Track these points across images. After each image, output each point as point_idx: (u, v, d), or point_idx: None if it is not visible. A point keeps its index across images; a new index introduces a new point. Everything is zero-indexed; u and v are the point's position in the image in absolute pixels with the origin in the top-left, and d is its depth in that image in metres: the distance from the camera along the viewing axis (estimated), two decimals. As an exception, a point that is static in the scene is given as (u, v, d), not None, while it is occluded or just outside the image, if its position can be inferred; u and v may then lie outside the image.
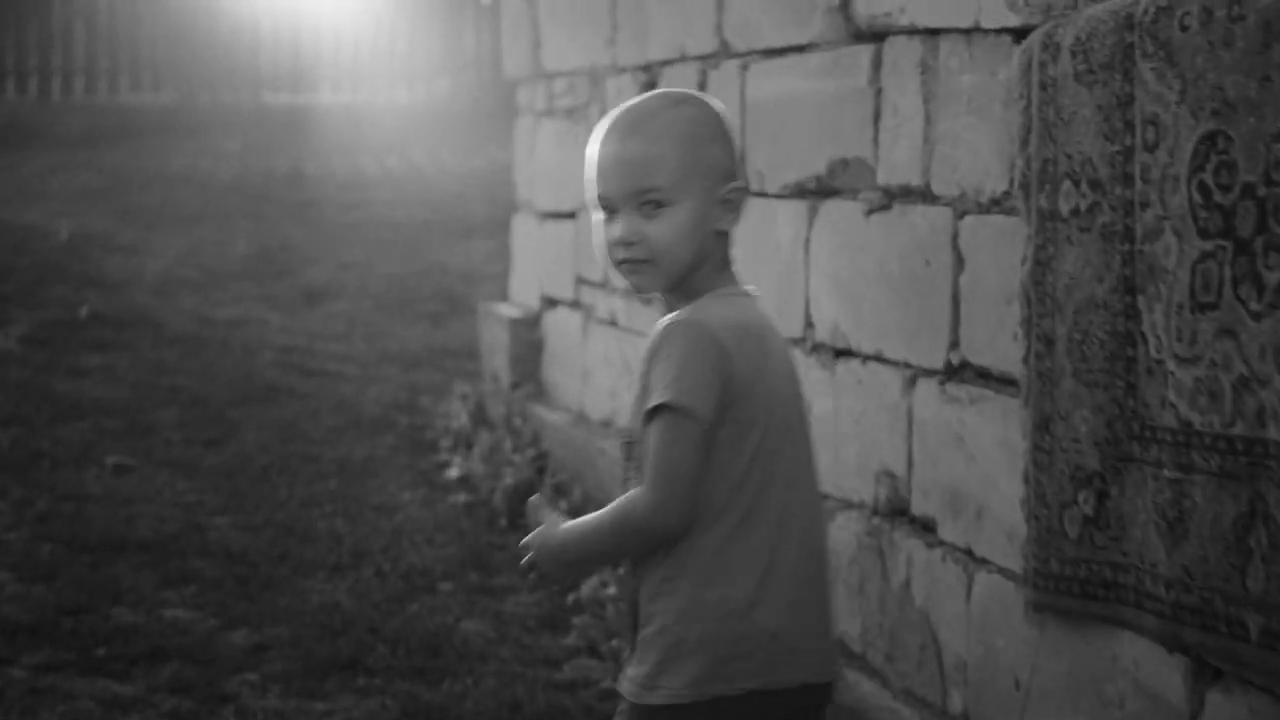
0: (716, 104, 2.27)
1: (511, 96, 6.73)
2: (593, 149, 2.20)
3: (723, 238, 2.23)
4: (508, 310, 6.38)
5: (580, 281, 5.82)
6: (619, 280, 5.67)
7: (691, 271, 2.18)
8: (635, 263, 2.16)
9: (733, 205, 2.22)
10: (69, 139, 15.59)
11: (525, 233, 6.44)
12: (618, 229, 2.15)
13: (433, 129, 16.21)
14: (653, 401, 2.08)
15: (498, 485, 5.37)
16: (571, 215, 5.89)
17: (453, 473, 5.77)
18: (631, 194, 2.14)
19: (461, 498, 5.46)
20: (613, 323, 5.50)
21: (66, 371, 6.64)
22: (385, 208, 11.08)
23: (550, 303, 6.15)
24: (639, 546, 2.15)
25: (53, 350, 6.92)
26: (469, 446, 5.98)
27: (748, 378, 2.11)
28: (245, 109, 17.19)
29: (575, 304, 5.87)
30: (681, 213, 2.16)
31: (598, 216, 2.19)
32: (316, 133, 16.29)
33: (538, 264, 6.28)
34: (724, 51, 4.66)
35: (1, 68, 16.68)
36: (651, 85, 5.19)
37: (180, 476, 5.55)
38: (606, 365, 5.55)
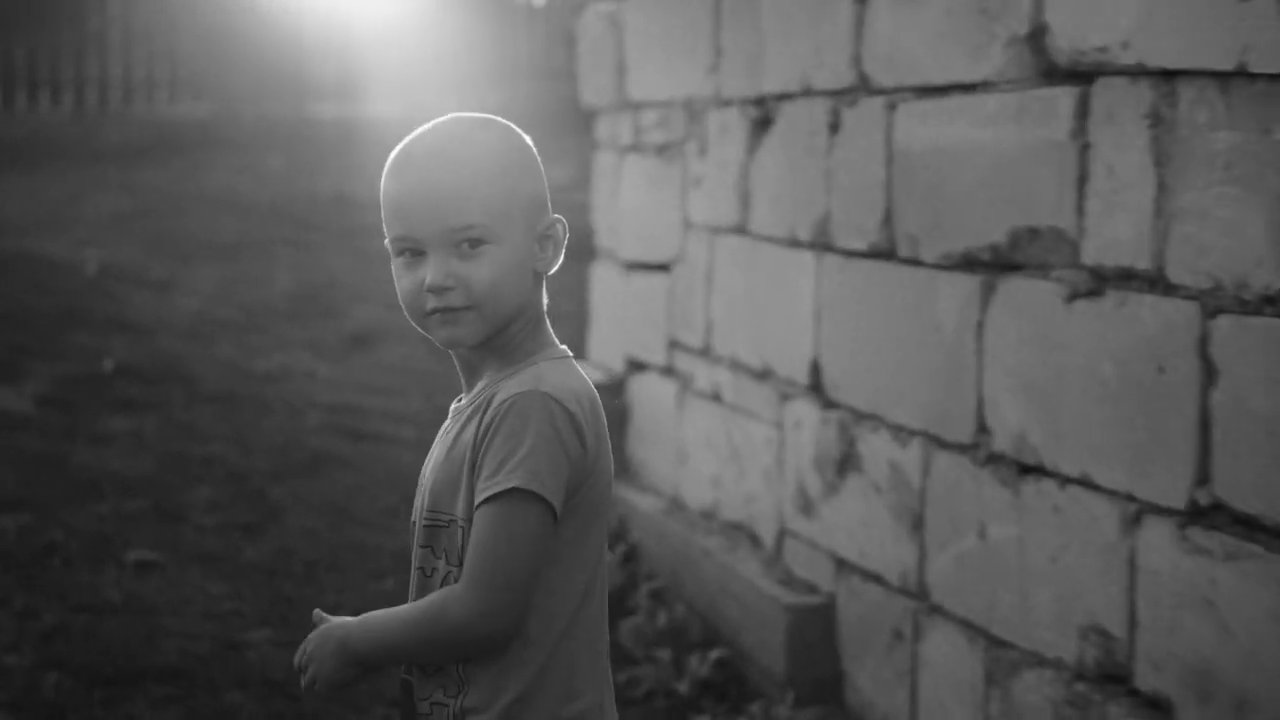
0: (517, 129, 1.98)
1: (587, 126, 5.95)
2: (389, 183, 1.92)
3: (539, 283, 1.96)
4: (587, 373, 5.58)
5: (675, 345, 5.02)
6: (724, 346, 4.92)
7: (510, 321, 1.92)
8: (451, 311, 1.89)
9: (553, 243, 1.96)
10: (103, 154, 14.91)
11: (607, 285, 5.65)
12: (428, 272, 1.87)
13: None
14: (499, 485, 1.79)
15: (583, 592, 4.60)
16: (664, 267, 5.09)
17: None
18: (444, 232, 1.88)
19: (539, 602, 4.67)
20: (716, 397, 4.70)
21: (87, 439, 5.87)
22: (438, 234, 10.32)
23: (636, 366, 5.36)
24: (451, 654, 1.87)
25: (73, 412, 6.16)
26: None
27: (594, 460, 1.88)
28: (288, 121, 16.49)
29: (668, 371, 5.07)
30: (504, 251, 1.90)
31: (398, 261, 1.92)
32: (362, 147, 15.53)
33: (621, 321, 5.48)
34: (863, 86, 3.86)
35: (35, 78, 16.02)
36: (765, 121, 4.39)
37: (214, 576, 4.77)
38: (708, 448, 4.75)
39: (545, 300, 1.97)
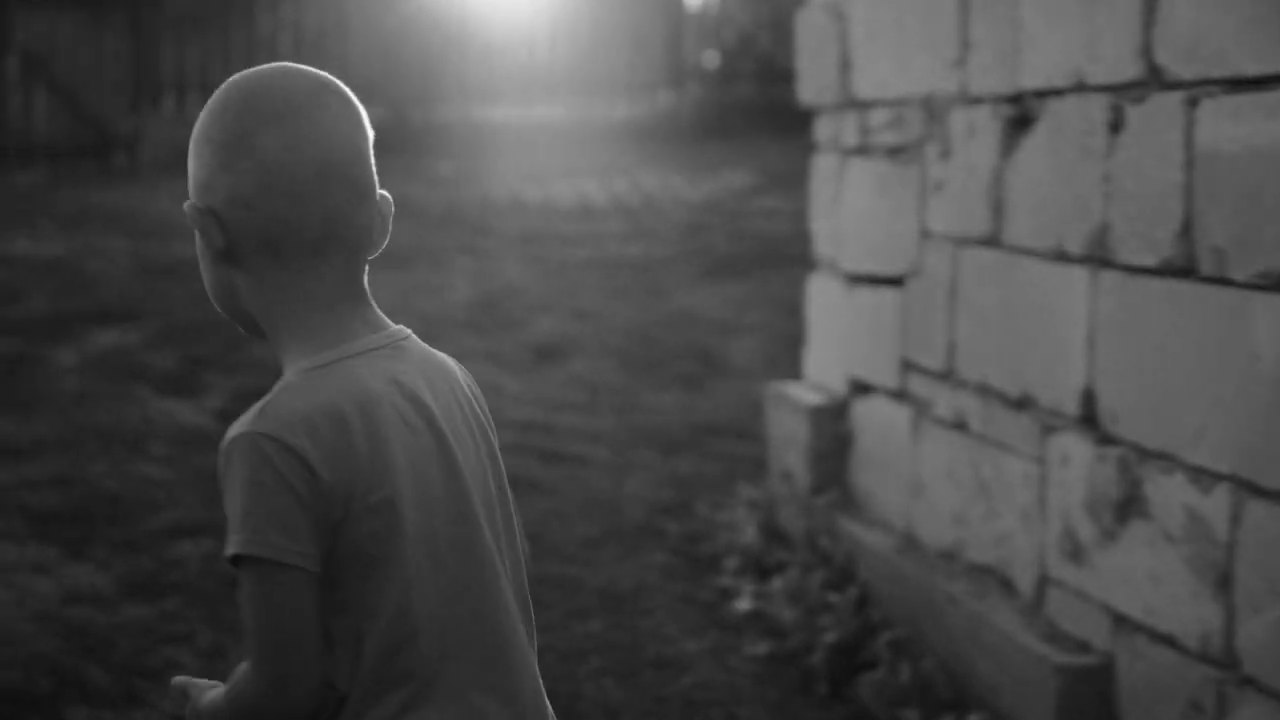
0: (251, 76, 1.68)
1: (806, 126, 5.53)
2: None
3: (306, 273, 1.65)
4: (805, 395, 5.14)
5: (908, 366, 4.57)
6: (971, 369, 4.46)
7: (262, 320, 1.67)
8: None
9: (202, 230, 1.66)
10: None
11: (827, 299, 5.21)
12: None
13: (658, 148, 15.13)
14: (227, 552, 1.57)
15: (815, 640, 4.17)
16: (895, 281, 4.65)
17: (742, 604, 4.58)
18: None
19: (761, 648, 4.26)
20: (960, 426, 4.25)
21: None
22: (617, 242, 9.96)
23: (861, 389, 4.92)
24: None
25: (254, 429, 5.88)
26: (761, 571, 4.78)
27: (347, 488, 1.57)
28: (457, 125, 16.28)
29: (900, 394, 4.62)
30: (199, 240, 1.69)
31: None
32: (531, 150, 15.29)
33: (844, 339, 5.05)
34: (1154, 80, 3.38)
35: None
36: (1023, 120, 3.93)
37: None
38: (949, 481, 4.30)
39: (303, 288, 1.65)
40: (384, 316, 1.76)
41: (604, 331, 7.81)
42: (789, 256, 9.42)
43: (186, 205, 1.67)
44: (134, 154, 15.38)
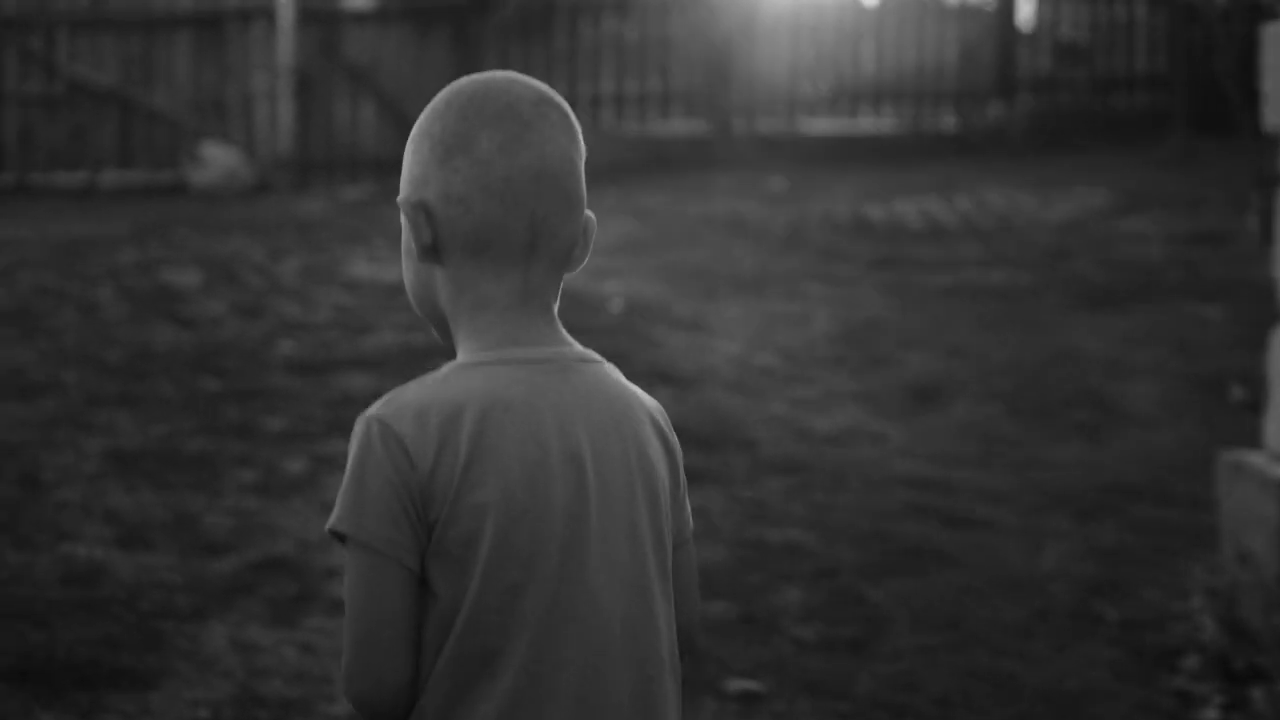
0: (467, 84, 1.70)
1: (1145, 138, 4.82)
2: None
3: (490, 275, 1.67)
4: (1272, 467, 4.44)
5: None
6: None
7: (431, 320, 1.72)
8: None
9: (412, 223, 1.67)
10: (598, 172, 14.48)
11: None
12: None
13: (991, 162, 14.39)
14: (327, 524, 1.59)
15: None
16: None
17: (1209, 715, 3.92)
18: None
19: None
20: None
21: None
22: (977, 268, 9.29)
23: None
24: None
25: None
26: (1228, 675, 4.10)
27: (446, 484, 1.57)
28: (782, 137, 15.77)
29: None
30: (404, 235, 1.73)
31: None
32: (861, 164, 14.69)
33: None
34: None
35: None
36: None
37: (827, 713, 3.89)
38: None
39: (487, 290, 1.67)
40: (566, 335, 1.74)
41: (982, 371, 7.16)
42: (1170, 288, 8.65)
43: (399, 199, 1.69)
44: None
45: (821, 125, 16.15)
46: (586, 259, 1.78)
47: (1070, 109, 16.60)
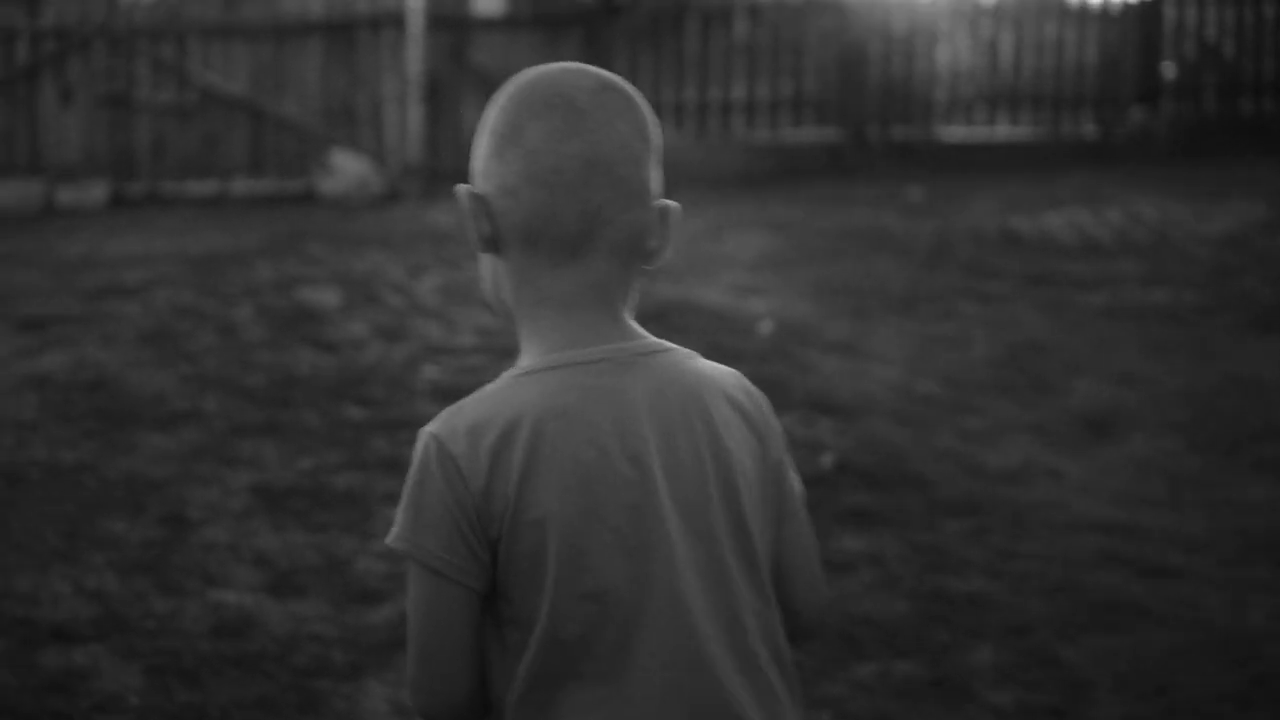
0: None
1: None
2: None
3: (546, 268, 1.65)
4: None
5: None
6: None
7: (514, 314, 1.69)
8: None
9: (472, 215, 1.68)
10: (724, 180, 14.26)
11: None
12: None
13: (1137, 170, 13.95)
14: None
15: None
16: None
17: None
18: None
19: None
20: None
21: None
22: (1137, 286, 8.88)
23: None
24: None
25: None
26: None
27: (503, 503, 1.55)
28: (917, 144, 15.41)
29: None
30: None
31: None
32: (1001, 173, 14.29)
33: None
34: None
35: (659, 100, 15.53)
36: None
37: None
38: None
39: (545, 284, 1.64)
40: (635, 327, 1.68)
41: (1155, 400, 6.78)
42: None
43: (457, 188, 1.69)
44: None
45: (957, 133, 15.76)
46: (667, 251, 1.71)
47: (1216, 115, 16.08)
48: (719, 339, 7.41)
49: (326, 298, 7.90)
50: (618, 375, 1.63)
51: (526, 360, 1.65)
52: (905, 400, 6.64)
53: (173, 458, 5.44)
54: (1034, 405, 6.73)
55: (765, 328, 7.69)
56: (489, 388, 1.64)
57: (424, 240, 10.08)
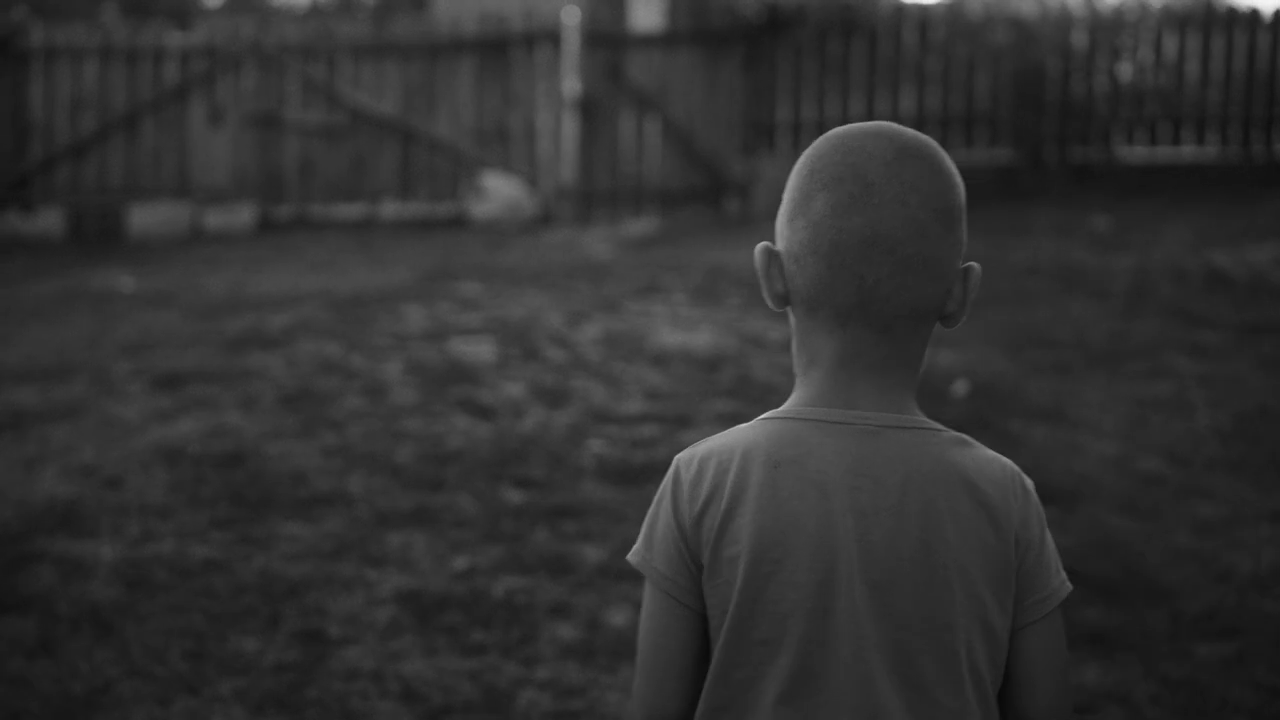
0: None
1: None
2: None
3: (823, 332, 1.68)
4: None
5: None
6: None
7: (795, 371, 1.75)
8: None
9: (764, 271, 1.73)
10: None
11: None
12: None
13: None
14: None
15: None
16: None
17: None
18: None
19: None
20: None
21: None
22: (1370, 337, 8.02)
23: None
24: None
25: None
26: None
27: (714, 531, 1.61)
28: (1097, 166, 14.55)
29: None
30: None
31: None
32: (1188, 198, 13.38)
33: None
34: None
35: (822, 118, 14.83)
36: None
37: None
38: None
39: (819, 347, 1.68)
40: (906, 400, 1.66)
41: None
42: None
43: (757, 246, 1.71)
44: (747, 199, 14.39)
45: (1139, 154, 14.88)
46: (964, 315, 1.70)
47: None
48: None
49: (481, 351, 7.32)
50: (855, 440, 1.62)
51: (781, 407, 1.68)
52: (1127, 481, 5.89)
53: (313, 554, 4.87)
54: (1273, 487, 5.94)
55: (960, 389, 6.98)
56: (742, 424, 1.69)
57: (582, 276, 9.49)
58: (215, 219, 13.69)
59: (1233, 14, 15.08)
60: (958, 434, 1.68)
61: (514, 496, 5.41)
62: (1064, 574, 1.73)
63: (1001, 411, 6.67)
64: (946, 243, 1.65)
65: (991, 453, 1.70)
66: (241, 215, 13.82)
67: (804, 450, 1.62)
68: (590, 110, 14.43)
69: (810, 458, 1.61)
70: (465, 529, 5.10)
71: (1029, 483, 1.70)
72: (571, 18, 14.28)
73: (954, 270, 1.67)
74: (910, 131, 1.69)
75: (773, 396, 6.91)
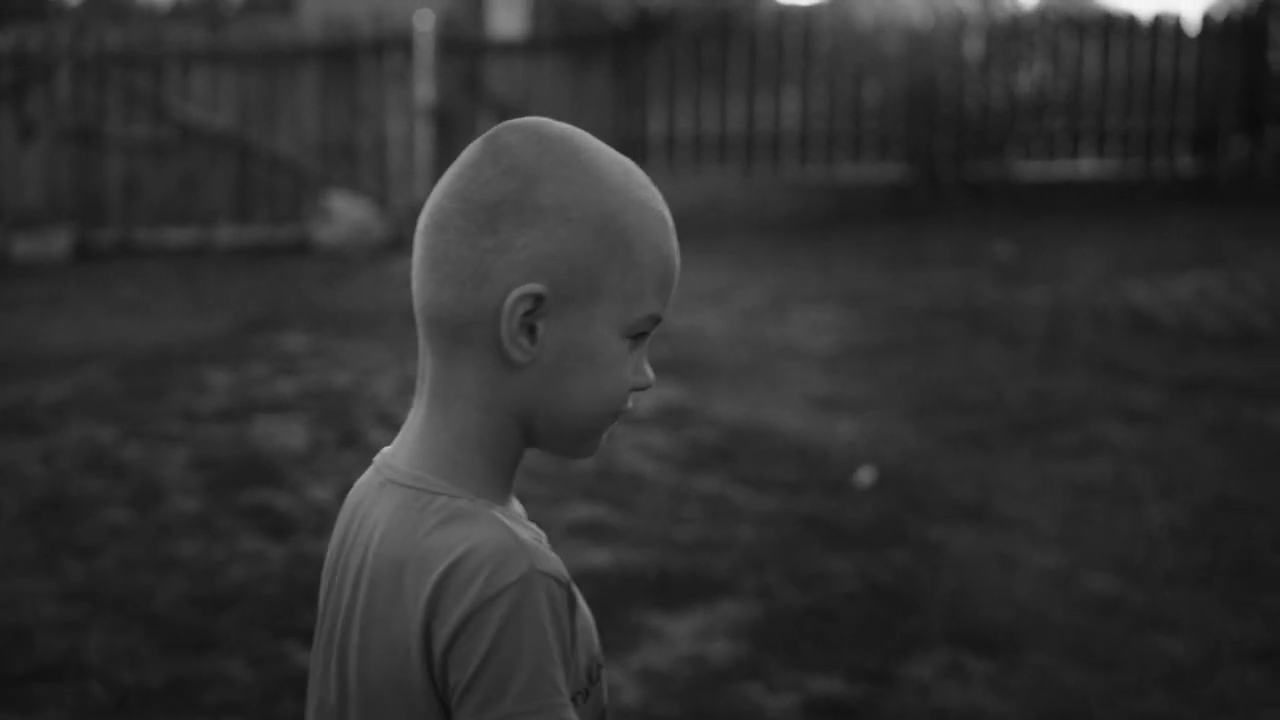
0: None
1: None
2: (667, 241, 1.39)
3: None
4: None
5: None
6: None
7: None
8: None
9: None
10: (776, 225, 12.48)
11: None
12: (640, 362, 1.41)
13: (1248, 216, 12.14)
14: None
15: None
16: None
17: None
18: None
19: None
20: None
21: None
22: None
23: None
24: None
25: None
26: None
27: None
28: (995, 186, 13.60)
29: None
30: None
31: (624, 345, 1.37)
32: (1092, 218, 12.45)
33: None
34: None
35: (699, 133, 13.74)
36: None
37: None
38: None
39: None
40: (446, 444, 1.38)
41: None
42: None
43: None
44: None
45: (1038, 169, 13.95)
46: (527, 358, 1.34)
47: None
48: (807, 499, 5.57)
49: (289, 435, 6.06)
50: (373, 494, 1.41)
51: None
52: (1076, 611, 4.76)
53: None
54: (1249, 609, 4.85)
55: (865, 478, 5.84)
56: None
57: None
58: (25, 246, 12.26)
59: (1133, 23, 14.20)
60: (463, 505, 1.32)
61: (303, 659, 4.17)
62: None
63: (918, 510, 5.53)
64: (478, 244, 1.33)
65: (480, 533, 1.30)
66: (56, 241, 12.40)
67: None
68: (446, 122, 13.21)
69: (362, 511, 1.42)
70: (233, 715, 3.85)
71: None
72: (425, 23, 13.04)
73: (495, 284, 1.33)
74: (535, 122, 1.38)
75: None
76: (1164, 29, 14.13)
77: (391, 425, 6.21)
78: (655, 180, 1.49)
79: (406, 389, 6.78)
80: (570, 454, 1.41)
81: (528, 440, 1.39)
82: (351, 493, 1.45)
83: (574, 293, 1.33)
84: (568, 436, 1.38)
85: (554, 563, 1.29)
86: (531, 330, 1.33)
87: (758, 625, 4.47)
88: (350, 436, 6.07)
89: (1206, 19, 14.27)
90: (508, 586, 1.26)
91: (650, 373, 1.40)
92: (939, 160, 13.65)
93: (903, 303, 9.19)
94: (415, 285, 1.38)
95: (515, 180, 1.34)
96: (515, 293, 1.32)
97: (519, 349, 1.34)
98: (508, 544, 1.28)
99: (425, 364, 1.40)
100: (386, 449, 1.43)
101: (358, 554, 1.38)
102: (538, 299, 1.32)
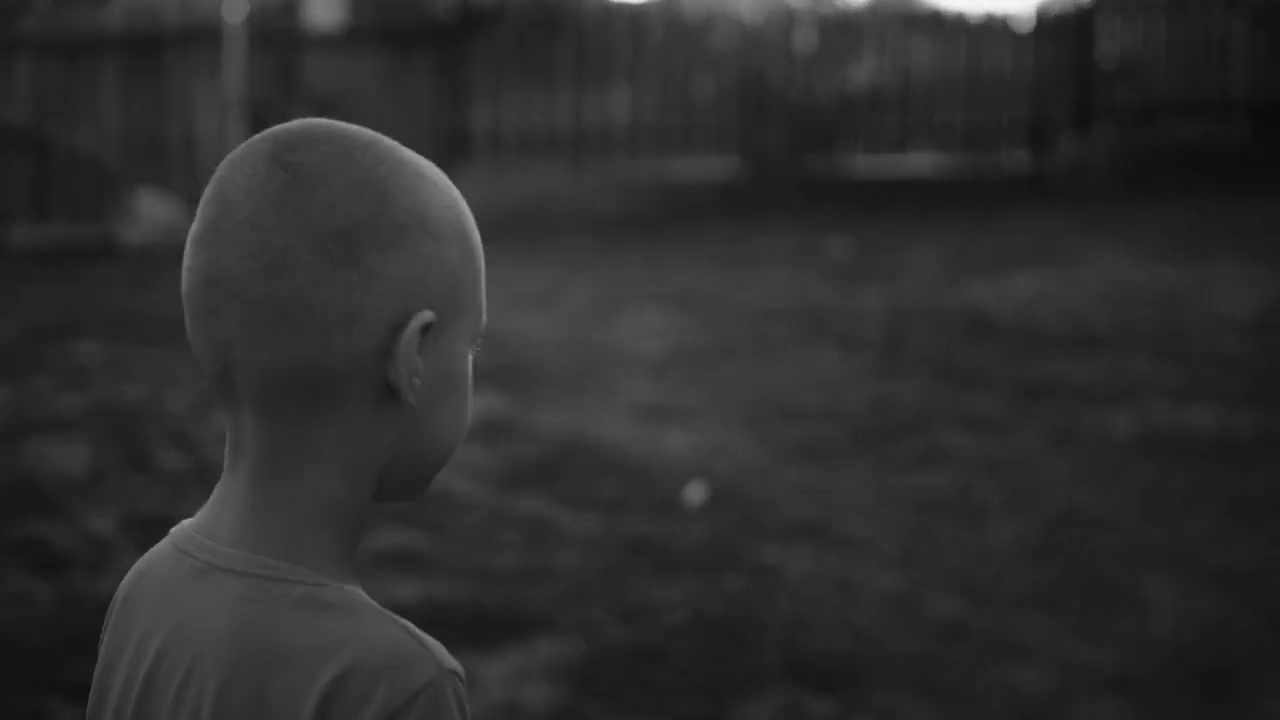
0: None
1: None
2: (479, 245, 1.23)
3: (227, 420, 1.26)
4: None
5: None
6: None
7: None
8: None
9: None
10: (606, 224, 12.12)
11: None
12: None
13: (1083, 213, 12.07)
14: None
15: None
16: None
17: None
18: None
19: None
20: None
21: None
22: (1170, 402, 6.76)
23: None
24: None
25: None
26: None
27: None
28: (829, 181, 13.38)
29: None
30: None
31: (469, 363, 1.21)
32: (928, 214, 12.27)
33: None
34: None
35: (528, 127, 13.33)
36: None
37: None
38: None
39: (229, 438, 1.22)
40: (293, 524, 1.17)
41: (1273, 612, 4.67)
42: None
43: None
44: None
45: (874, 165, 13.76)
46: (410, 393, 1.15)
47: (1158, 143, 14.32)
48: (633, 520, 5.19)
49: (68, 457, 5.52)
50: (182, 580, 1.17)
51: None
52: (921, 637, 4.44)
53: None
54: (1100, 634, 4.56)
55: (695, 496, 5.47)
56: None
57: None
58: None
59: (963, 20, 14.09)
60: (329, 594, 1.12)
61: (66, 721, 3.68)
62: None
63: (751, 530, 5.17)
64: (338, 279, 1.12)
65: (369, 632, 1.12)
66: None
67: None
68: (261, 117, 12.61)
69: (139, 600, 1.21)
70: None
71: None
72: (235, 13, 12.45)
73: (369, 322, 1.12)
74: (326, 126, 1.19)
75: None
76: (995, 26, 14.05)
77: (185, 446, 5.69)
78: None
79: (204, 404, 6.26)
80: (416, 497, 1.24)
81: (376, 497, 1.20)
82: (139, 575, 1.24)
83: (443, 313, 1.17)
84: (424, 479, 1.22)
85: (447, 653, 1.13)
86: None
87: (579, 667, 4.08)
88: (138, 458, 5.54)
89: (1039, 16, 14.21)
90: (416, 694, 1.10)
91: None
92: (771, 154, 13.39)
93: (736, 304, 8.87)
94: (235, 346, 1.14)
95: (363, 199, 1.15)
96: (413, 324, 1.14)
97: (413, 390, 1.16)
98: (403, 643, 1.12)
99: (246, 433, 1.17)
100: (187, 523, 1.21)
101: (180, 656, 1.17)
102: (427, 327, 1.15)
